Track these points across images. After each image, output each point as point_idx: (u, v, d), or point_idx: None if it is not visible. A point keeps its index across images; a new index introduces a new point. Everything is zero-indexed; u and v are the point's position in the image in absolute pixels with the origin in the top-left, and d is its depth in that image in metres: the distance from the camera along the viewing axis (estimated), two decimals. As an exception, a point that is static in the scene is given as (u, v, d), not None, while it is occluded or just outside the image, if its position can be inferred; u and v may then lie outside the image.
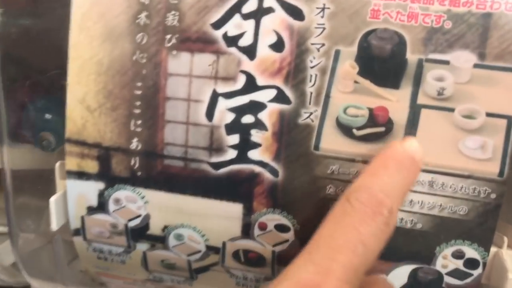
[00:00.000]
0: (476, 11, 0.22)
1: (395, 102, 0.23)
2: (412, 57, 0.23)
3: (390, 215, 0.21)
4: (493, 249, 0.26)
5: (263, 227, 0.26)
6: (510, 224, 0.27)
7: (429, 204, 0.24)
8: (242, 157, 0.25)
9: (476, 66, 0.22)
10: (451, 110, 0.23)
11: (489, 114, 0.23)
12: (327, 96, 0.24)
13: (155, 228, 0.27)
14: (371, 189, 0.21)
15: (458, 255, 0.24)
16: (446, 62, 0.23)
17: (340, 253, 0.19)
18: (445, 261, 0.25)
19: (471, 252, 0.24)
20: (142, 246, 0.28)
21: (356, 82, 0.24)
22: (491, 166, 0.23)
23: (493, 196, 0.23)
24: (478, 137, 0.23)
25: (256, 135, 0.25)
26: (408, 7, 0.22)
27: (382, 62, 0.23)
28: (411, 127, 0.23)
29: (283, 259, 0.26)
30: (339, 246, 0.20)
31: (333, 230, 0.20)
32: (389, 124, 0.24)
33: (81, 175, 0.27)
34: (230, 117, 0.25)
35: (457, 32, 0.22)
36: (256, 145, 0.25)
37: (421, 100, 0.23)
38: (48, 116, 0.29)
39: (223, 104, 0.25)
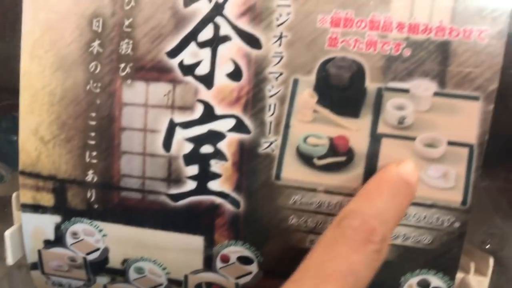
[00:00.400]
0: (435, 39, 0.22)
1: (355, 131, 0.23)
2: (371, 85, 0.22)
3: (382, 243, 0.20)
4: (460, 275, 0.26)
5: (225, 259, 0.25)
6: (477, 249, 0.27)
7: (393, 234, 0.24)
8: (201, 188, 0.24)
9: (436, 94, 0.22)
10: (412, 139, 0.22)
11: (450, 143, 0.22)
12: (287, 126, 0.23)
13: (114, 261, 0.26)
14: (363, 214, 0.20)
15: (423, 284, 0.24)
16: (406, 91, 0.22)
17: (329, 283, 0.18)
18: (410, 290, 0.24)
19: (436, 281, 0.24)
20: (102, 280, 0.27)
21: (315, 111, 0.23)
22: (454, 195, 0.23)
23: (456, 225, 0.23)
24: (440, 166, 0.23)
25: (215, 166, 0.24)
26: (367, 34, 0.22)
27: (341, 91, 0.23)
28: (372, 157, 0.23)
29: (247, 291, 0.26)
30: (328, 275, 0.19)
31: (323, 258, 0.19)
32: (349, 154, 0.23)
33: (36, 208, 0.26)
34: (188, 147, 0.24)
35: (417, 60, 0.22)
36: (216, 176, 0.24)
37: (381, 129, 0.23)
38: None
39: (180, 134, 0.24)
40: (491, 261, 0.26)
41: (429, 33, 0.22)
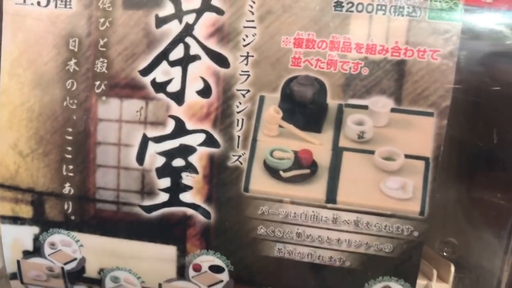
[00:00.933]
0: (391, 59, 0.23)
1: (318, 145, 0.24)
2: (332, 102, 0.24)
3: None
4: (423, 282, 0.27)
5: (197, 268, 0.26)
6: (439, 256, 0.28)
7: (356, 243, 0.25)
8: (174, 200, 0.26)
9: (393, 110, 0.23)
10: (372, 152, 0.24)
11: (407, 156, 0.24)
12: (254, 140, 0.25)
13: (91, 271, 0.27)
14: None
15: (385, 291, 0.25)
16: (365, 107, 0.23)
17: None
18: (373, 297, 0.25)
19: (398, 287, 0.25)
20: (79, 289, 0.28)
21: (280, 126, 0.24)
22: (412, 206, 0.24)
23: (415, 234, 0.24)
24: (398, 178, 0.24)
25: (187, 178, 0.25)
26: (327, 55, 0.23)
27: (304, 107, 0.24)
28: (334, 169, 0.24)
29: (218, 299, 0.27)
30: None
31: None
32: (313, 167, 0.24)
33: (15, 220, 0.27)
34: (160, 161, 0.25)
35: (374, 78, 0.23)
36: (187, 188, 0.25)
37: (342, 143, 0.24)
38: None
39: (153, 148, 0.25)
40: (452, 268, 0.27)
41: (385, 53, 0.23)
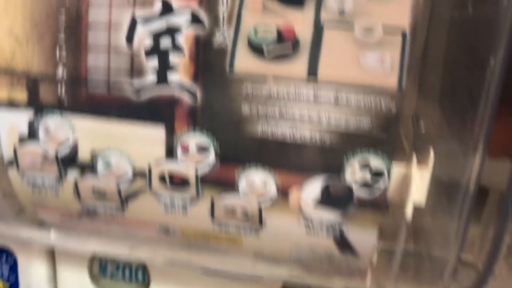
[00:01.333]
0: None
1: (300, 21, 0.25)
2: (314, -23, 0.25)
3: None
4: (403, 170, 0.28)
5: (185, 148, 0.27)
6: (418, 139, 0.29)
7: (336, 119, 0.26)
8: (162, 81, 0.27)
9: (372, -17, 0.24)
10: (352, 27, 0.25)
11: (386, 29, 0.24)
12: (239, 18, 0.25)
13: (83, 154, 0.28)
14: None
15: (364, 165, 0.26)
16: (345, -19, 0.24)
17: None
18: (353, 172, 0.26)
19: (376, 162, 0.26)
20: (72, 174, 0.29)
21: (264, 4, 0.25)
22: (390, 80, 0.25)
23: (393, 109, 0.25)
24: (377, 52, 0.25)
25: (174, 59, 0.26)
26: None
27: (286, -17, 0.25)
28: (316, 45, 0.25)
29: (205, 179, 0.28)
30: None
31: None
32: (295, 43, 0.25)
33: (11, 105, 0.28)
34: (149, 41, 0.26)
35: (354, -48, 0.24)
36: (174, 69, 0.26)
37: (324, 18, 0.25)
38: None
39: (141, 29, 0.26)
40: (432, 151, 0.28)
41: None
